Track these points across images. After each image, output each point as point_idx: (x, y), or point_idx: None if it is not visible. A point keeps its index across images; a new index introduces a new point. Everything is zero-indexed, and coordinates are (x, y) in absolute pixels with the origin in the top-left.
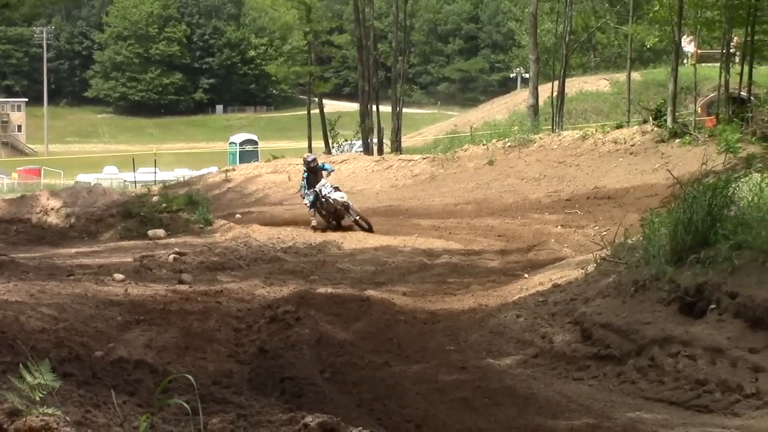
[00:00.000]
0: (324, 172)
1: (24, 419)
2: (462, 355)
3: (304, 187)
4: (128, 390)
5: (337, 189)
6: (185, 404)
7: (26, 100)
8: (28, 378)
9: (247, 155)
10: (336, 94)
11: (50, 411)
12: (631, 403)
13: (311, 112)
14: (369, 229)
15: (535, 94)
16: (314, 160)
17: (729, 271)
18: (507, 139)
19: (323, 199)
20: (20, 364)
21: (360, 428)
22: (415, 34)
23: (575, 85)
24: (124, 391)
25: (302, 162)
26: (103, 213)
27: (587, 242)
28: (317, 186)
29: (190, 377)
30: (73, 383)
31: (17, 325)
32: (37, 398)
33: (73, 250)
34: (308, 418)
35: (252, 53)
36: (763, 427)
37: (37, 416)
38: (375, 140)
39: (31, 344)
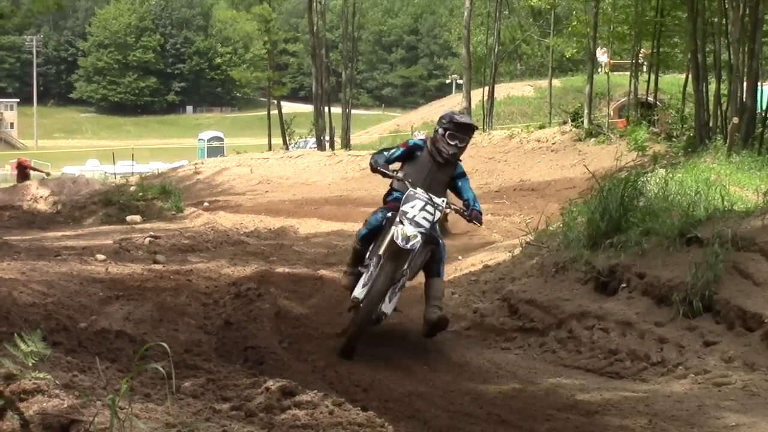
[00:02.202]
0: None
1: (18, 383)
2: (403, 327)
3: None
4: (110, 357)
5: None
6: (161, 369)
7: (18, 100)
8: (22, 346)
9: (214, 150)
10: (292, 97)
11: (41, 375)
12: (552, 370)
13: (271, 112)
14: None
15: (468, 98)
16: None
17: (638, 255)
18: None
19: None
20: (15, 334)
21: (315, 391)
22: (363, 44)
23: (503, 90)
24: (106, 358)
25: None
26: (86, 201)
27: (514, 228)
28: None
29: (165, 345)
30: (62, 351)
31: (10, 299)
32: (30, 364)
33: (60, 234)
34: (270, 383)
35: (218, 60)
36: (667, 390)
37: (30, 380)
38: (327, 138)
39: (24, 316)
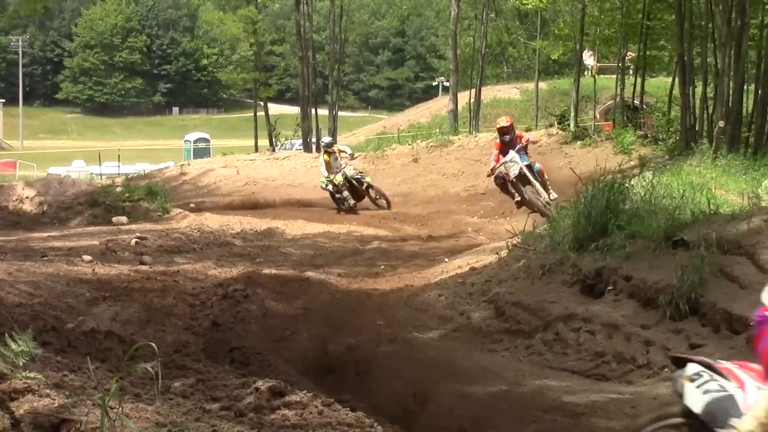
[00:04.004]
0: None
1: (9, 382)
2: (391, 329)
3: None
4: (100, 357)
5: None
6: (151, 369)
7: (3, 101)
8: (13, 346)
9: (201, 152)
10: (279, 99)
11: (32, 375)
12: (539, 372)
13: (257, 114)
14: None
15: (455, 101)
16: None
17: (624, 257)
18: (430, 140)
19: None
20: (5, 334)
21: (304, 391)
22: (349, 46)
23: (490, 92)
24: (96, 358)
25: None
26: (72, 202)
27: (500, 231)
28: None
29: (154, 345)
30: (51, 351)
31: None
32: (21, 364)
33: (46, 234)
34: (259, 383)
35: (205, 61)
36: (653, 392)
37: (21, 379)
38: (314, 139)
39: (11, 317)
